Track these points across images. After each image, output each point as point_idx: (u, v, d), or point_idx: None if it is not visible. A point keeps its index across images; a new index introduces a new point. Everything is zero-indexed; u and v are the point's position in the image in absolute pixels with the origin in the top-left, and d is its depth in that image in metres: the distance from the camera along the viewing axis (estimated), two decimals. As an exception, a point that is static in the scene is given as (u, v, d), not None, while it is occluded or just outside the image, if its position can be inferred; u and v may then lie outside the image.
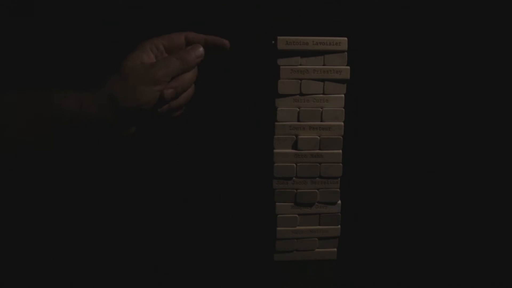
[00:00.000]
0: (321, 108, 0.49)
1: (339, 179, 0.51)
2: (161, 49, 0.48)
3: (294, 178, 0.50)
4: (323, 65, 0.48)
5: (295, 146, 0.50)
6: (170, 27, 0.60)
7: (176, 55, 0.46)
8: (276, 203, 0.51)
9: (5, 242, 0.53)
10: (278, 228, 0.51)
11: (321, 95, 0.49)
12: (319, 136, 0.49)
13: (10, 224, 0.55)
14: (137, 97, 0.45)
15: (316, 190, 0.51)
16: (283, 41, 0.47)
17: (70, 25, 0.60)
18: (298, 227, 0.51)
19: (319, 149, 0.50)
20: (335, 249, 0.53)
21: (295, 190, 0.51)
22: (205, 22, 0.60)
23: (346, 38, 0.48)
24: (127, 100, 0.45)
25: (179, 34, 0.49)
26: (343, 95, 0.49)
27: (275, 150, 0.50)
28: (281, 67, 0.48)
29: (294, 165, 0.50)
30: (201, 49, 0.48)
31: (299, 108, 0.49)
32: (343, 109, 0.49)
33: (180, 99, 0.48)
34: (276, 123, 0.49)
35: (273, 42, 0.48)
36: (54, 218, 0.58)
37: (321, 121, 0.49)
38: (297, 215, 0.51)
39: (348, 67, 0.48)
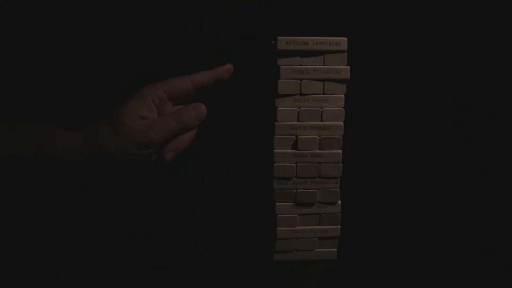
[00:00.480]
0: (321, 108, 0.49)
1: (339, 179, 0.51)
2: (163, 99, 0.45)
3: (294, 178, 0.50)
4: (323, 65, 0.48)
5: (295, 146, 0.50)
6: (170, 27, 0.60)
7: (175, 117, 0.44)
8: (276, 203, 0.51)
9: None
10: (278, 228, 0.51)
11: (321, 95, 0.49)
12: (319, 136, 0.49)
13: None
14: (127, 157, 0.43)
15: (316, 190, 0.51)
16: (283, 41, 0.47)
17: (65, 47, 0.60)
18: (298, 227, 0.51)
19: (319, 149, 0.50)
20: (335, 249, 0.53)
21: (295, 190, 0.51)
22: (205, 22, 0.60)
23: (346, 38, 0.48)
24: (117, 159, 0.43)
25: (183, 79, 0.46)
26: (343, 95, 0.49)
27: (275, 150, 0.50)
28: (281, 67, 0.48)
29: (294, 165, 0.50)
30: (203, 108, 0.45)
31: (299, 108, 0.49)
32: (343, 109, 0.49)
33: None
34: (276, 123, 0.49)
35: (273, 42, 0.48)
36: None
37: (321, 121, 0.49)
38: (297, 215, 0.51)
39: (348, 67, 0.48)
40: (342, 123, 0.50)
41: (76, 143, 0.43)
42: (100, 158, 0.43)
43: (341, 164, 0.50)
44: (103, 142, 0.42)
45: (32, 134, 0.43)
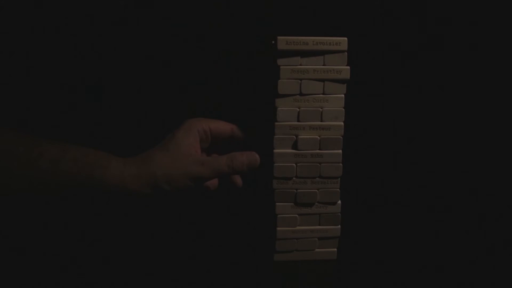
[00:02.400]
0: (321, 108, 0.49)
1: (339, 179, 0.51)
2: (207, 133, 0.48)
3: (294, 178, 0.50)
4: (323, 65, 0.48)
5: (295, 146, 0.50)
6: (171, 27, 0.60)
7: (228, 161, 0.46)
8: (276, 203, 0.51)
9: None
10: (278, 228, 0.51)
11: (321, 95, 0.49)
12: (319, 136, 0.49)
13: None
14: (176, 185, 0.44)
15: (316, 190, 0.51)
16: (283, 41, 0.47)
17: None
18: (298, 227, 0.51)
19: (319, 149, 0.50)
20: (335, 249, 0.53)
21: (295, 190, 0.51)
22: (205, 22, 0.60)
23: (346, 38, 0.48)
24: (166, 183, 0.44)
25: (227, 124, 0.49)
26: (343, 95, 0.49)
27: (275, 150, 0.50)
28: (281, 67, 0.48)
29: (294, 165, 0.50)
30: (256, 157, 0.48)
31: (299, 108, 0.49)
32: (343, 109, 0.49)
33: None
34: (276, 123, 0.49)
35: (273, 42, 0.48)
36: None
37: (321, 121, 0.49)
38: (297, 215, 0.51)
39: (348, 67, 0.48)
40: (342, 123, 0.49)
41: (132, 168, 0.44)
42: (152, 184, 0.44)
43: (341, 164, 0.50)
44: (156, 169, 0.44)
45: (87, 154, 0.44)
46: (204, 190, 0.50)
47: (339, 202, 0.52)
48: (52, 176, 0.42)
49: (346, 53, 0.48)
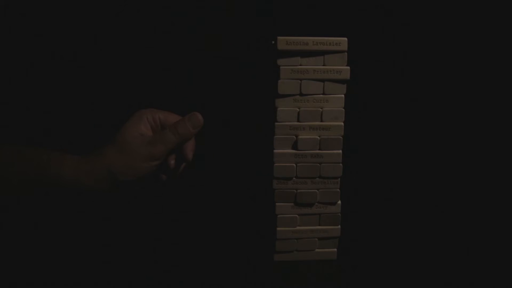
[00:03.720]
0: (321, 108, 0.49)
1: (339, 179, 0.51)
2: (157, 122, 0.48)
3: (294, 178, 0.50)
4: (323, 65, 0.48)
5: (295, 146, 0.50)
6: (170, 27, 0.60)
7: (172, 129, 0.47)
8: (276, 203, 0.51)
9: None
10: (278, 228, 0.51)
11: (321, 95, 0.49)
12: (319, 136, 0.49)
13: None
14: (136, 172, 0.45)
15: (316, 190, 0.51)
16: (283, 41, 0.47)
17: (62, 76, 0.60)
18: (298, 227, 0.51)
19: (319, 149, 0.50)
20: (335, 249, 0.53)
21: (295, 190, 0.51)
22: (205, 22, 0.60)
23: (346, 38, 0.48)
24: (126, 174, 0.45)
25: (177, 117, 0.49)
26: (343, 95, 0.49)
27: (275, 150, 0.50)
28: (281, 67, 0.48)
29: (294, 165, 0.50)
30: (199, 117, 0.48)
31: (299, 108, 0.49)
32: (343, 109, 0.49)
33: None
34: (276, 123, 0.49)
35: (273, 42, 0.48)
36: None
37: (321, 121, 0.49)
38: (297, 215, 0.51)
39: (348, 67, 0.48)
40: (342, 123, 0.50)
41: (85, 165, 0.45)
42: (109, 178, 0.45)
43: (341, 164, 0.50)
44: (110, 162, 0.45)
45: (37, 156, 0.45)
46: (160, 181, 0.50)
47: (339, 202, 0.52)
48: (8, 179, 0.44)
49: (346, 53, 0.48)
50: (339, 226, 0.52)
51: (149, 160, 0.45)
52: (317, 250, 0.52)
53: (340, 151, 0.50)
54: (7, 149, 0.45)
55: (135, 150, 0.45)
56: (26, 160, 0.44)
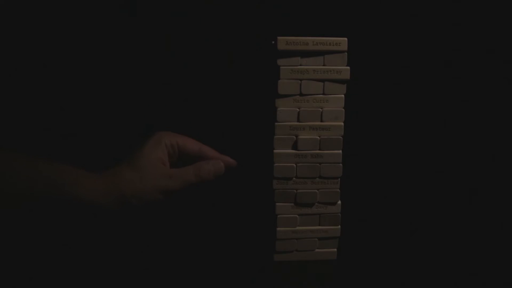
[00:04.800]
0: (321, 108, 0.49)
1: (339, 179, 0.51)
2: (175, 148, 0.48)
3: (294, 178, 0.50)
4: (323, 65, 0.48)
5: (295, 146, 0.50)
6: (169, 26, 0.60)
7: (195, 170, 0.47)
8: (276, 203, 0.51)
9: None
10: (278, 228, 0.51)
11: (321, 95, 0.49)
12: (319, 136, 0.49)
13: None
14: (147, 199, 0.45)
15: (316, 190, 0.51)
16: (283, 41, 0.47)
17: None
18: (298, 228, 0.51)
19: (319, 150, 0.50)
20: (335, 249, 0.53)
21: (295, 191, 0.51)
22: (205, 22, 0.60)
23: (346, 38, 0.48)
24: (137, 200, 0.45)
25: (196, 143, 0.49)
26: (343, 95, 0.49)
27: (275, 151, 0.50)
28: (281, 67, 0.48)
29: (294, 165, 0.50)
30: (222, 166, 0.49)
31: (299, 108, 0.49)
32: (343, 109, 0.49)
33: None
34: (276, 123, 0.49)
35: (273, 42, 0.48)
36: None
37: (321, 121, 0.49)
38: (297, 216, 0.51)
39: (348, 67, 0.48)
40: (342, 123, 0.50)
41: (102, 186, 0.45)
42: (122, 200, 0.45)
43: (341, 164, 0.50)
44: (126, 185, 0.45)
45: (55, 171, 0.45)
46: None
47: (339, 202, 0.52)
48: (25, 195, 0.43)
49: (346, 53, 0.48)
50: (339, 226, 0.52)
51: (164, 192, 0.46)
52: (317, 250, 0.52)
53: (340, 151, 0.50)
54: (21, 160, 0.44)
55: (152, 180, 0.45)
56: (39, 174, 0.44)
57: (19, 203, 0.44)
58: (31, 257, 0.54)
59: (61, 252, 0.55)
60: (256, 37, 0.59)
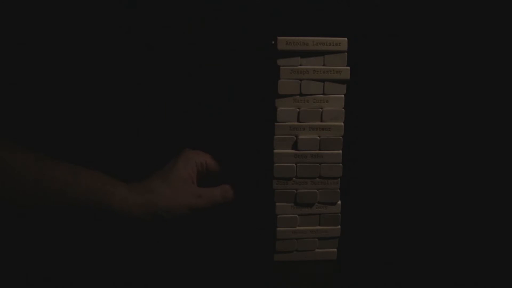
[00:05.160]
0: (321, 108, 0.49)
1: (339, 179, 0.51)
2: (204, 167, 0.51)
3: (294, 178, 0.50)
4: (323, 65, 0.48)
5: (295, 146, 0.50)
6: (169, 26, 0.60)
7: (223, 192, 0.50)
8: (276, 203, 0.51)
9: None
10: (278, 228, 0.51)
11: (321, 96, 0.49)
12: (319, 136, 0.49)
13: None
14: (174, 214, 0.47)
15: (316, 191, 0.51)
16: (283, 41, 0.47)
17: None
18: (298, 227, 0.51)
19: (319, 150, 0.50)
20: (335, 249, 0.53)
21: (295, 191, 0.51)
22: (205, 21, 0.60)
23: (346, 39, 0.48)
24: (166, 213, 0.47)
25: (217, 164, 0.52)
26: (343, 96, 0.49)
27: (275, 151, 0.50)
28: (281, 67, 0.48)
29: (294, 165, 0.50)
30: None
31: (299, 108, 0.49)
32: (343, 110, 0.49)
33: None
34: (276, 123, 0.49)
35: (273, 42, 0.48)
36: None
37: (321, 121, 0.49)
38: (297, 216, 0.51)
39: (348, 68, 0.48)
40: (342, 123, 0.50)
41: (135, 198, 0.46)
42: (151, 213, 0.47)
43: (341, 164, 0.50)
44: (158, 200, 0.47)
45: (96, 179, 0.46)
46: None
47: (339, 202, 0.52)
48: (60, 201, 0.44)
49: (346, 53, 0.48)
50: (339, 226, 0.52)
51: (193, 210, 0.48)
52: (317, 250, 0.52)
53: (340, 151, 0.50)
54: (63, 170, 0.45)
55: (184, 197, 0.47)
56: (80, 185, 0.44)
57: (54, 210, 0.45)
58: (58, 263, 0.54)
59: (86, 258, 0.55)
60: (256, 37, 0.58)
